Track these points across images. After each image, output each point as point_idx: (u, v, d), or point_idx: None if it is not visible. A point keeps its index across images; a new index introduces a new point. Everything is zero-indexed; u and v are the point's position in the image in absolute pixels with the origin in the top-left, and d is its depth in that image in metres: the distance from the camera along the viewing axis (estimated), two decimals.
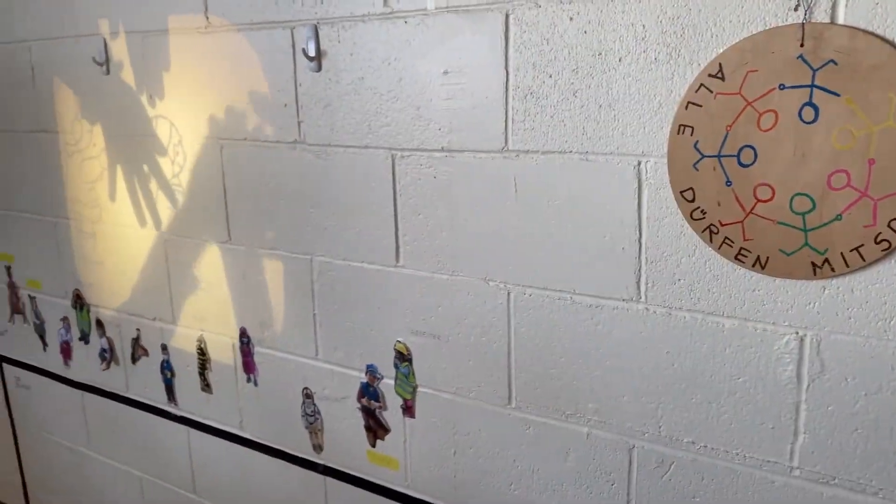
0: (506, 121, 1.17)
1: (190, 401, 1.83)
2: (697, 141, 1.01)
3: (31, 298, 2.14)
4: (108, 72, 1.70)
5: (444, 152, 1.25)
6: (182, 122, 1.59)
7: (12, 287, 2.19)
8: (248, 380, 1.68)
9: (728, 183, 1.00)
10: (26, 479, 2.44)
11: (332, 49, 1.34)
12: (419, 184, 1.30)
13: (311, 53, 1.35)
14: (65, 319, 2.07)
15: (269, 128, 1.47)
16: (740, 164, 0.98)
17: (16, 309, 2.21)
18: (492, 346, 1.28)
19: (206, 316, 1.72)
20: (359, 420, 1.51)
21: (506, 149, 1.18)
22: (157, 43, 1.59)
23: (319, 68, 1.36)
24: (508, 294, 1.24)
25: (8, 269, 2.18)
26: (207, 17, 1.49)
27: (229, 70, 1.49)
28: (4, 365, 2.34)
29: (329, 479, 1.61)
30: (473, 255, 1.26)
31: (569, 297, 1.17)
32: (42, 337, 2.16)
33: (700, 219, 1.03)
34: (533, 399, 1.26)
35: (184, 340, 1.78)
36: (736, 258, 1.02)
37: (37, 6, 1.82)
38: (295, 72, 1.40)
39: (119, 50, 1.66)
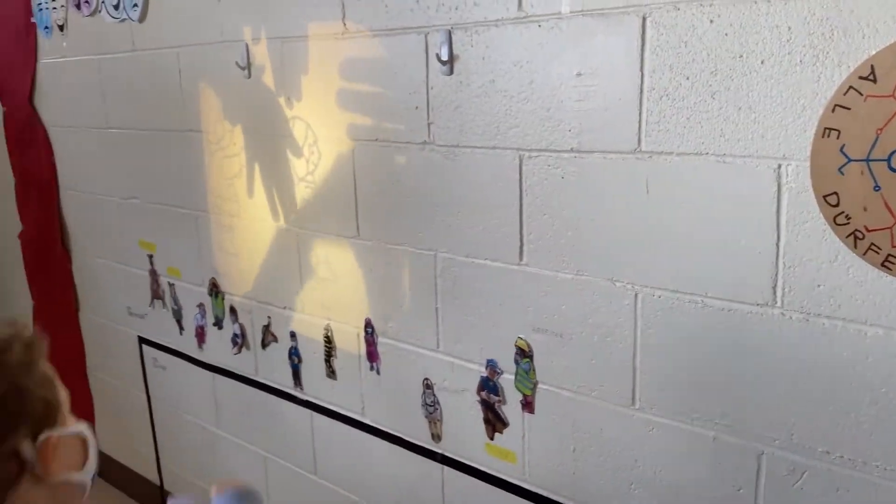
0: (639, 122, 1.18)
1: (315, 386, 1.93)
2: (844, 144, 0.98)
3: (171, 285, 2.31)
4: (249, 75, 1.82)
5: (574, 153, 1.27)
6: (317, 124, 1.68)
7: (154, 274, 2.37)
8: (371, 368, 1.76)
9: (877, 188, 0.97)
10: (160, 454, 2.63)
11: (464, 53, 1.38)
12: (546, 184, 1.32)
13: (444, 58, 1.40)
14: (201, 306, 2.23)
15: (400, 129, 1.53)
16: (891, 168, 0.96)
17: (156, 295, 2.39)
18: (616, 347, 1.29)
19: (333, 306, 1.81)
20: (477, 413, 1.55)
21: (638, 150, 1.19)
22: (295, 48, 1.68)
23: (451, 72, 1.41)
24: (636, 295, 1.24)
25: (150, 257, 2.36)
26: (345, 24, 1.57)
27: (363, 74, 1.57)
28: (144, 346, 2.53)
29: (446, 469, 1.66)
30: (600, 255, 1.28)
31: (700, 300, 1.17)
32: (179, 321, 2.33)
33: (844, 224, 1.01)
34: (658, 401, 1.27)
35: (311, 329, 1.88)
36: (882, 265, 0.99)
37: (185, 16, 1.96)
38: (427, 75, 1.45)
39: (260, 55, 1.77)
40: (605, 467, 1.37)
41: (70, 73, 2.47)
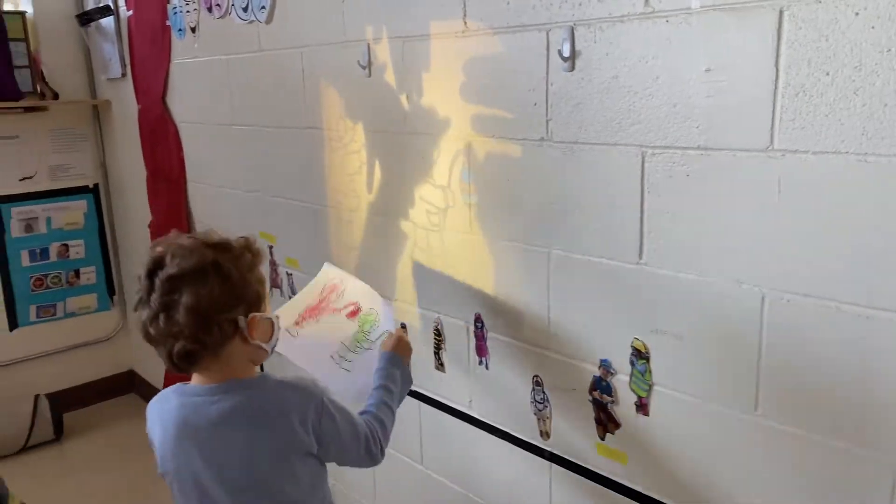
0: (772, 119, 1.14)
1: (423, 377, 1.97)
2: None
3: (289, 275, 2.42)
4: (369, 74, 1.88)
5: (700, 150, 1.24)
6: (436, 120, 1.72)
7: (273, 264, 2.48)
8: (480, 363, 1.78)
9: None
10: None
11: (586, 49, 1.38)
12: (670, 181, 1.30)
13: (566, 54, 1.40)
14: None
15: (517, 126, 1.54)
16: None
17: (274, 283, 2.50)
18: (739, 351, 1.26)
19: (444, 300, 1.84)
20: (589, 412, 1.54)
21: (771, 148, 1.15)
22: (416, 47, 1.72)
23: (572, 68, 1.41)
24: (763, 298, 1.20)
25: (270, 248, 2.47)
26: (465, 23, 1.59)
27: (482, 71, 1.59)
28: None
29: (554, 466, 1.66)
30: (725, 256, 1.24)
31: (834, 306, 1.12)
32: None
33: None
34: (782, 409, 1.22)
35: (422, 321, 1.92)
36: None
37: (310, 17, 2.04)
38: (547, 72, 1.46)
39: (381, 54, 1.83)
40: (723, 474, 1.33)
41: (200, 73, 2.62)
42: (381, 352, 1.58)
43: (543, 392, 1.64)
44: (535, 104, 1.49)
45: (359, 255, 2.08)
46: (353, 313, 1.69)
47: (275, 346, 1.35)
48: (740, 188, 1.20)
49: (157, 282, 1.20)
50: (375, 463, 1.43)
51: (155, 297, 1.20)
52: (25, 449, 3.23)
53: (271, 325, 1.33)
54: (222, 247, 1.25)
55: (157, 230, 3.17)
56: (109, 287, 3.64)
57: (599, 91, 1.37)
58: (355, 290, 1.65)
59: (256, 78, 2.34)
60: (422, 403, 2.00)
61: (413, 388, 1.98)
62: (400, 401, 1.55)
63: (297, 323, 1.66)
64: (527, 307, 1.62)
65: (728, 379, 1.28)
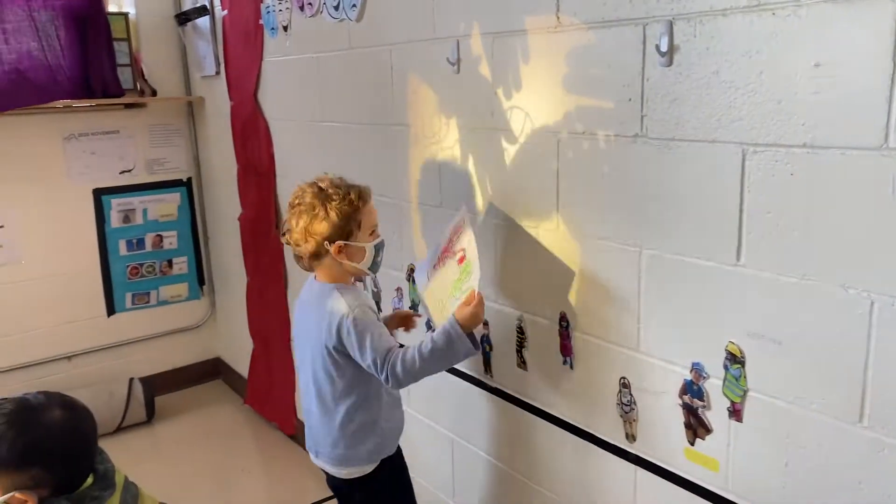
0: (888, 116, 1.08)
1: (505, 375, 1.97)
2: None
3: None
4: (458, 71, 1.89)
5: (806, 148, 1.19)
6: (529, 115, 1.71)
7: None
8: (565, 362, 1.76)
9: None
10: None
11: (685, 44, 1.34)
12: (772, 180, 1.25)
13: (664, 49, 1.37)
14: (398, 290, 2.35)
15: (611, 121, 1.51)
16: None
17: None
18: (844, 358, 1.20)
19: (529, 297, 1.83)
20: (678, 416, 1.51)
21: (885, 146, 1.09)
22: (508, 42, 1.72)
23: (670, 63, 1.37)
24: (872, 304, 1.15)
25: None
26: (558, 17, 1.58)
27: (574, 67, 1.57)
28: None
29: (640, 470, 1.63)
30: (831, 259, 1.19)
31: None
32: (378, 303, 2.46)
33: None
34: (891, 420, 1.16)
35: (505, 318, 1.92)
36: None
37: (400, 14, 2.07)
38: (643, 67, 1.43)
39: (471, 49, 1.83)
40: (821, 486, 1.28)
41: (291, 71, 2.70)
42: (452, 315, 1.69)
43: (630, 394, 1.61)
44: (630, 99, 1.46)
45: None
46: (461, 259, 1.75)
47: (369, 266, 1.82)
48: (850, 188, 1.15)
49: (289, 208, 1.80)
50: (386, 382, 1.72)
51: (287, 218, 1.81)
52: (120, 429, 3.39)
53: (362, 252, 1.78)
54: (329, 193, 1.75)
55: (246, 223, 3.28)
56: (200, 277, 3.79)
57: (698, 86, 1.34)
58: (469, 237, 1.73)
59: (345, 75, 2.38)
60: (503, 401, 1.99)
61: (494, 384, 1.99)
62: (446, 361, 1.72)
63: (434, 266, 1.89)
64: (615, 307, 1.60)
65: (831, 387, 1.23)
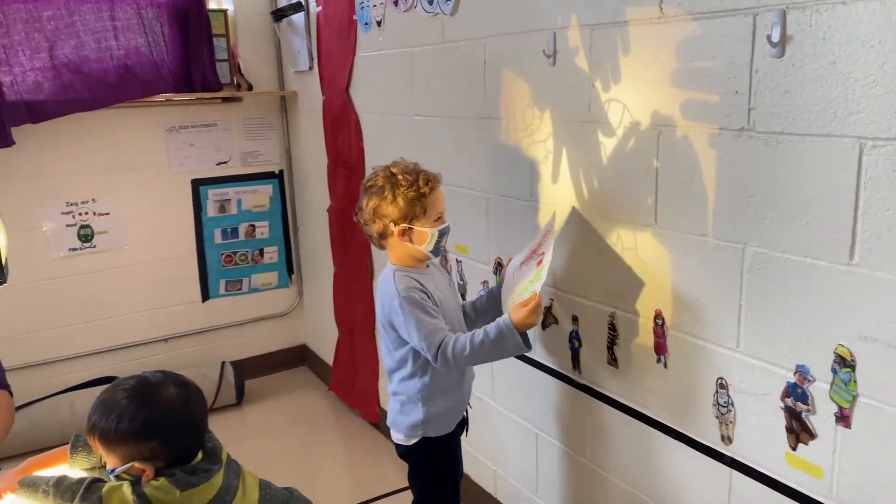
0: None
1: (593, 372, 1.95)
2: None
3: (458, 262, 2.48)
4: (554, 63, 1.87)
5: None
6: (629, 108, 1.68)
7: (443, 250, 2.54)
8: (658, 361, 1.73)
9: None
10: None
11: (799, 34, 1.29)
12: (892, 176, 1.19)
13: (776, 39, 1.32)
14: (485, 283, 2.35)
15: (715, 114, 1.47)
16: None
17: (444, 261, 2.57)
18: None
19: (622, 294, 1.80)
20: (779, 420, 1.45)
21: None
22: (607, 34, 1.69)
23: (782, 54, 1.32)
24: None
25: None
26: (661, 8, 1.55)
27: (677, 59, 1.54)
28: None
29: (735, 473, 1.58)
30: None
31: None
32: (463, 296, 2.48)
33: None
34: None
35: (595, 315, 1.90)
36: None
37: (495, 7, 2.07)
38: (752, 58, 1.38)
39: (568, 41, 1.81)
40: None
41: (383, 65, 2.74)
42: (507, 312, 1.78)
43: (728, 395, 1.56)
44: (737, 92, 1.42)
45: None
46: (539, 262, 1.79)
47: (431, 250, 1.89)
48: None
49: (362, 189, 1.93)
50: (434, 362, 1.81)
51: (360, 199, 1.92)
52: (211, 410, 3.53)
53: (426, 236, 1.86)
54: (399, 179, 1.84)
55: (334, 214, 3.36)
56: (289, 266, 3.90)
57: (812, 78, 1.28)
58: (551, 243, 1.79)
59: (437, 69, 2.40)
60: (591, 398, 1.97)
61: (582, 381, 1.97)
62: (494, 354, 1.79)
63: (521, 264, 1.93)
64: (715, 305, 1.55)
65: None
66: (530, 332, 1.80)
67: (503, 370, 2.34)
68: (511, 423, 2.36)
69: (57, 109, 3.04)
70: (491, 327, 1.76)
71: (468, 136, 2.30)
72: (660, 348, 1.72)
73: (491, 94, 2.15)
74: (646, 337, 1.75)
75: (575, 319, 1.98)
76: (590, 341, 1.94)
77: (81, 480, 1.36)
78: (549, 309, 2.07)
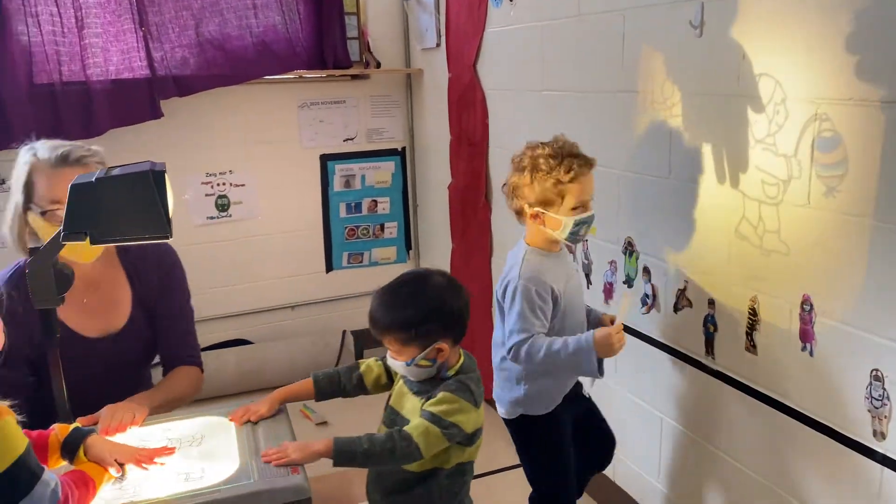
0: None
1: (729, 358, 1.87)
2: None
3: (585, 241, 2.44)
4: (701, 34, 1.80)
5: None
6: (787, 82, 1.59)
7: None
8: (804, 349, 1.64)
9: None
10: None
11: None
12: None
13: None
14: (612, 263, 2.31)
15: (881, 88, 1.37)
16: None
17: (569, 249, 2.53)
18: None
19: (765, 277, 1.72)
20: None
21: None
22: (762, 3, 1.61)
23: None
24: None
25: None
26: None
27: (844, 29, 1.44)
28: None
29: (887, 471, 1.48)
30: None
31: None
32: (588, 276, 2.44)
33: None
34: None
35: (735, 299, 1.82)
36: None
37: None
38: None
39: (718, 12, 1.73)
40: None
41: (512, 41, 2.72)
42: (592, 332, 1.78)
43: (883, 388, 1.46)
44: None
45: (672, 224, 2.01)
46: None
47: (566, 237, 1.83)
48: None
49: (511, 161, 1.89)
50: (507, 353, 1.82)
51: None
52: None
53: (559, 223, 1.80)
54: (540, 164, 1.78)
55: (456, 191, 3.39)
56: (407, 242, 3.98)
57: None
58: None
59: (571, 42, 2.36)
60: (724, 384, 1.90)
61: (715, 367, 1.91)
62: (567, 366, 1.83)
63: None
64: (875, 292, 1.46)
65: None
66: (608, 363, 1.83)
67: (627, 352, 2.29)
68: (633, 406, 2.31)
69: (201, 84, 3.22)
70: (572, 340, 1.77)
71: (601, 111, 2.25)
72: (806, 335, 1.63)
73: (629, 67, 2.09)
74: (790, 323, 1.67)
75: (711, 303, 1.91)
76: (727, 325, 1.87)
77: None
78: (682, 291, 2.01)
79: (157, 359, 1.97)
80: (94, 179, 1.30)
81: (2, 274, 1.72)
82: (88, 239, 1.31)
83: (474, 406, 1.51)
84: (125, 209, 1.32)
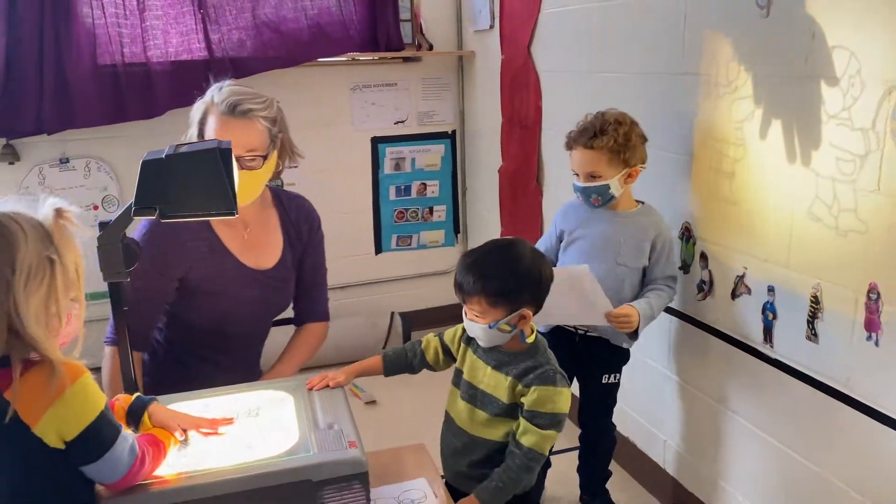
0: None
1: (789, 346, 1.84)
2: None
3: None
4: (767, 14, 1.75)
5: None
6: (863, 53, 1.53)
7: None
8: (869, 338, 1.60)
9: None
10: None
11: None
12: None
13: None
14: None
15: None
16: None
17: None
18: None
19: (829, 265, 1.68)
20: None
21: None
22: None
23: None
24: None
25: None
26: None
27: None
28: None
29: None
30: None
31: None
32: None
33: None
34: None
35: (796, 285, 1.78)
36: None
37: None
38: None
39: None
40: None
41: (569, 22, 2.69)
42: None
43: None
44: None
45: (732, 209, 1.97)
46: None
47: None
48: None
49: None
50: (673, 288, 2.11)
51: None
52: None
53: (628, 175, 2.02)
54: (622, 120, 1.99)
55: (506, 175, 3.37)
56: (455, 225, 3.99)
57: None
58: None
59: (630, 23, 2.32)
60: (782, 373, 1.87)
61: (773, 356, 1.87)
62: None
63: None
64: None
65: None
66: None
67: (683, 339, 2.27)
68: (688, 395, 2.28)
69: (257, 66, 3.26)
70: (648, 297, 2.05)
71: (658, 93, 2.21)
72: (871, 325, 1.59)
73: (691, 47, 2.05)
74: (855, 312, 1.62)
75: (771, 290, 1.87)
76: (787, 313, 1.83)
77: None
78: (741, 278, 1.97)
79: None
80: (163, 156, 1.33)
81: (139, 228, 1.78)
82: (159, 212, 1.34)
83: (567, 385, 1.53)
84: (193, 185, 1.35)
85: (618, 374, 2.21)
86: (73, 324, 1.16)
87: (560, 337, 2.16)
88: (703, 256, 2.11)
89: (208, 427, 1.41)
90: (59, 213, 1.12)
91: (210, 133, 1.74)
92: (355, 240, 3.79)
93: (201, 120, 1.77)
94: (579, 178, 2.05)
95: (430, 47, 3.63)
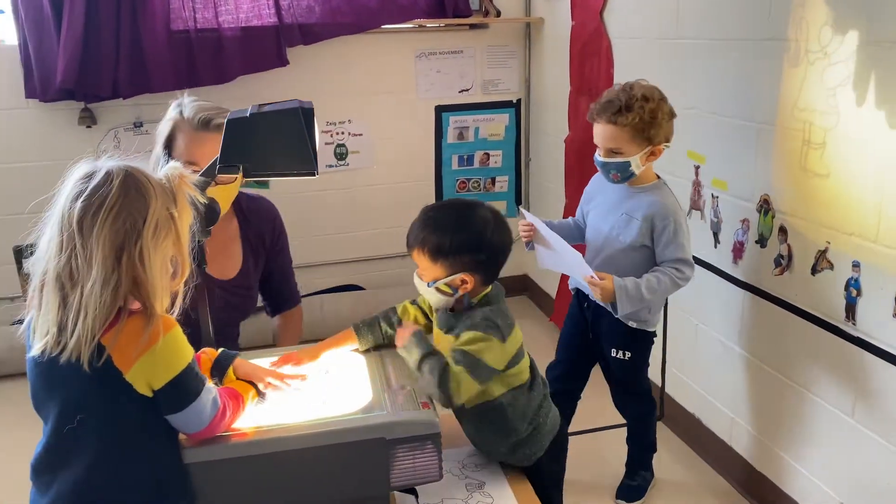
0: None
1: (873, 324, 1.77)
2: None
3: (714, 197, 2.34)
4: None
5: None
6: None
7: (697, 185, 2.42)
8: None
9: None
10: (666, 357, 2.74)
11: None
12: None
13: None
14: (744, 221, 2.20)
15: None
16: None
17: (695, 206, 2.44)
18: None
19: None
20: None
21: None
22: None
23: None
24: None
25: (696, 168, 2.41)
26: None
27: None
28: None
29: None
30: None
31: None
32: (716, 234, 2.35)
33: None
34: None
35: (884, 261, 1.71)
36: None
37: None
38: None
39: None
40: None
41: None
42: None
43: None
44: None
45: (817, 181, 1.90)
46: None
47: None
48: None
49: None
50: (690, 273, 2.05)
51: None
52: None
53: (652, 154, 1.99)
54: (650, 96, 1.95)
55: (572, 144, 3.32)
56: (518, 196, 3.95)
57: None
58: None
59: None
60: (864, 352, 1.80)
61: (856, 334, 1.80)
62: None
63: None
64: None
65: None
66: None
67: (755, 314, 2.21)
68: (757, 371, 2.22)
69: (326, 32, 3.27)
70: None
71: (743, 60, 2.13)
72: None
73: (778, 12, 1.96)
74: None
75: (856, 265, 1.79)
76: (873, 290, 1.76)
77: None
78: (823, 253, 1.90)
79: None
80: (248, 115, 1.34)
81: None
82: (241, 172, 1.36)
83: (502, 341, 1.44)
84: (276, 144, 1.36)
85: (628, 353, 2.15)
86: (177, 281, 1.20)
87: (578, 302, 2.25)
88: (783, 230, 2.04)
89: (291, 380, 1.45)
90: (179, 176, 1.19)
91: (181, 149, 1.73)
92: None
93: (169, 137, 1.75)
94: (600, 152, 2.01)
95: (498, 14, 3.57)
